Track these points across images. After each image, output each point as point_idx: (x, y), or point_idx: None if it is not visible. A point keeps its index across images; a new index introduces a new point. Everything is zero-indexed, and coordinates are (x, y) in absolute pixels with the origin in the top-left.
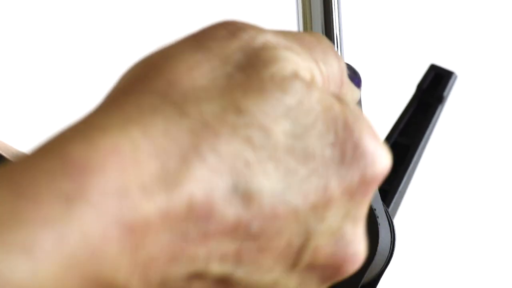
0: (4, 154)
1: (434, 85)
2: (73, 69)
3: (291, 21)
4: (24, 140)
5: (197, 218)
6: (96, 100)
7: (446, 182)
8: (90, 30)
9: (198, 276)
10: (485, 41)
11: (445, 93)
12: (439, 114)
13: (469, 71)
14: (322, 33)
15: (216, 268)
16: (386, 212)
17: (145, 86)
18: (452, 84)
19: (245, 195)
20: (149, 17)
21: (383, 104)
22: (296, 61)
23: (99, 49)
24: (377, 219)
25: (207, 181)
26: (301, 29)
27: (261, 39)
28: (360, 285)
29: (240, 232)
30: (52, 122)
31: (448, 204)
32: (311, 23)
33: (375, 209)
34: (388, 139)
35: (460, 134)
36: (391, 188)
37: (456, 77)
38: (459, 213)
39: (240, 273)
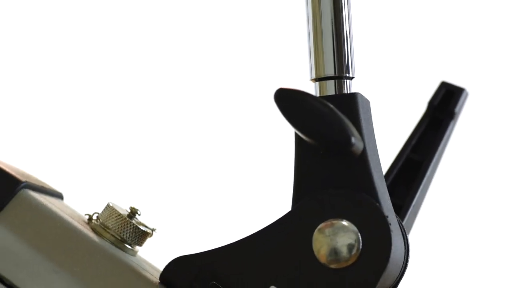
0: (14, 173)
1: (445, 101)
2: (73, 69)
3: (300, 20)
4: (24, 140)
5: None
6: (96, 100)
7: (460, 198)
8: (90, 30)
9: None
10: (496, 58)
11: (456, 109)
12: (451, 130)
13: (480, 88)
14: (333, 45)
15: None
16: (400, 223)
17: None
18: (464, 101)
19: None
20: (149, 17)
21: (395, 121)
22: None
23: (99, 49)
24: (390, 225)
25: None
26: (311, 32)
27: None
28: None
29: None
30: (52, 122)
31: (463, 219)
32: (322, 34)
33: (387, 216)
34: (400, 155)
35: (473, 151)
36: (404, 203)
37: (467, 93)
38: (474, 229)
39: None
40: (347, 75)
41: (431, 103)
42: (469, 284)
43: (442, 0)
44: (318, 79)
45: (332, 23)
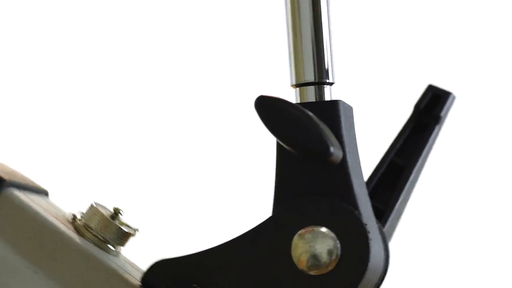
0: (1, 174)
1: (432, 105)
2: (73, 69)
3: (280, 26)
4: (24, 141)
5: None
6: (95, 100)
7: (445, 203)
8: (90, 30)
9: None
10: (484, 62)
11: (442, 114)
12: (436, 135)
13: (467, 92)
14: (312, 51)
15: None
16: (380, 230)
17: None
18: (450, 105)
19: None
20: (149, 18)
21: (380, 124)
22: None
23: (99, 49)
24: (368, 234)
25: None
26: (291, 38)
27: None
28: None
29: None
30: (52, 122)
31: (447, 225)
32: (301, 40)
33: (366, 224)
34: (384, 159)
35: (459, 155)
36: (387, 207)
37: (454, 97)
38: (457, 235)
39: None
40: (327, 80)
41: (417, 107)
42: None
43: (429, 2)
44: (299, 85)
45: (311, 28)
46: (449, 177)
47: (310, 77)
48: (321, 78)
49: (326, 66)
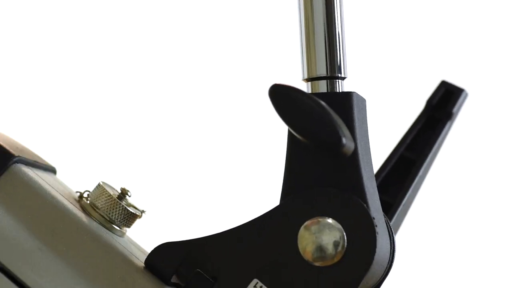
0: (7, 147)
1: (444, 101)
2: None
3: (292, 20)
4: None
5: None
6: (95, 101)
7: (453, 199)
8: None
9: None
10: (498, 60)
11: (454, 110)
12: (447, 131)
13: (480, 89)
14: (325, 45)
15: None
16: (387, 224)
17: None
18: (462, 101)
19: None
20: (149, 18)
21: (392, 118)
22: None
23: (95, 44)
24: (376, 227)
25: None
26: (303, 32)
27: None
28: None
29: None
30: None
31: (454, 220)
32: (314, 34)
33: (373, 218)
34: (394, 152)
35: (469, 152)
36: (395, 201)
37: (466, 94)
38: (465, 230)
39: None
40: (339, 75)
41: (429, 102)
42: (458, 284)
43: None
44: (310, 79)
45: (324, 23)
46: (458, 174)
47: (322, 71)
48: (333, 72)
49: (338, 61)
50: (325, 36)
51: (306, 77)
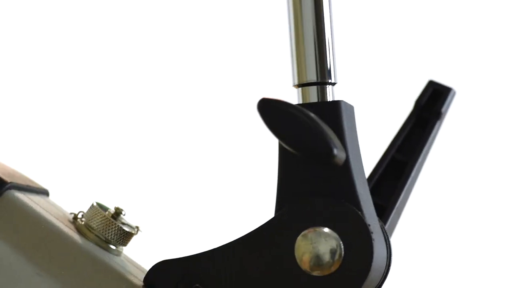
0: (3, 176)
1: (432, 101)
2: (73, 70)
3: (283, 26)
4: (24, 140)
5: None
6: (95, 101)
7: (445, 199)
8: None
9: None
10: (485, 57)
11: (443, 109)
12: (437, 130)
13: (468, 87)
14: (315, 51)
15: None
16: (382, 228)
17: None
18: (451, 100)
19: None
20: (148, 18)
21: (381, 120)
22: None
23: (91, 48)
24: (372, 234)
25: None
26: (293, 38)
27: None
28: None
29: None
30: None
31: (447, 221)
32: (303, 40)
33: (369, 225)
34: (385, 155)
35: (459, 150)
36: (388, 204)
37: (454, 93)
38: (458, 230)
39: None
40: (330, 81)
41: (418, 103)
42: (453, 284)
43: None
44: (301, 85)
45: (314, 29)
46: (450, 173)
47: (312, 77)
48: (323, 78)
49: (328, 66)
50: (314, 42)
51: (296, 83)
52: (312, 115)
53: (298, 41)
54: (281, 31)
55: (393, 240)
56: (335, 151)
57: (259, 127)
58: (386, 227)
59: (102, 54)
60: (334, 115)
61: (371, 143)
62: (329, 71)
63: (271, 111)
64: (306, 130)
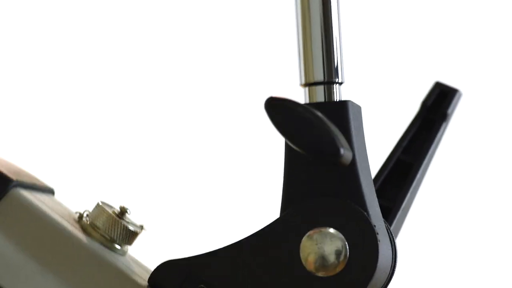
0: (5, 171)
1: (439, 102)
2: (76, 69)
3: (290, 26)
4: (29, 140)
5: None
6: (99, 99)
7: (450, 200)
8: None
9: None
10: (491, 59)
11: (449, 111)
12: (443, 132)
13: (474, 89)
14: (322, 51)
15: None
16: (388, 230)
17: None
18: (457, 102)
19: None
20: (149, 18)
21: (387, 122)
22: None
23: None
24: (377, 235)
25: None
26: (300, 37)
27: None
28: None
29: None
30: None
31: (453, 222)
32: (311, 40)
33: (375, 226)
34: (391, 156)
35: (465, 152)
36: (394, 205)
37: (460, 94)
38: (464, 232)
39: None
40: (337, 80)
41: (424, 104)
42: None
43: (436, 1)
44: (308, 84)
45: (321, 28)
46: (456, 175)
47: (319, 76)
48: (330, 77)
49: (336, 66)
50: (322, 42)
51: (303, 82)
52: (320, 114)
53: (306, 40)
54: (289, 30)
55: (398, 241)
56: (342, 151)
57: (266, 127)
58: (392, 228)
59: (107, 52)
60: (341, 115)
61: (377, 144)
62: (336, 71)
63: (278, 110)
64: (313, 129)
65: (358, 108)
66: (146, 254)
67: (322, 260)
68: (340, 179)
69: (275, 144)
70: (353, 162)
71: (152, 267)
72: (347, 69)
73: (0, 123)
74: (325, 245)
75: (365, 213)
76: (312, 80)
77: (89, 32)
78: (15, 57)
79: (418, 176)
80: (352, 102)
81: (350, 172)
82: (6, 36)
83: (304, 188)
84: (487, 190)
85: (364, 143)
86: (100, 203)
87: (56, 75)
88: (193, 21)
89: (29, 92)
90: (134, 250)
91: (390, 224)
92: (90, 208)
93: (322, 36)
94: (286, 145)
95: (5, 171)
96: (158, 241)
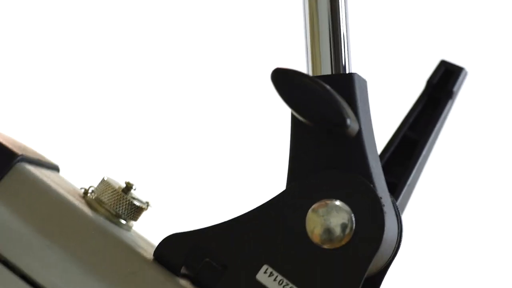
0: (10, 146)
1: (444, 80)
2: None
3: (298, 20)
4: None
5: None
6: (95, 97)
7: (456, 178)
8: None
9: None
10: (497, 38)
11: (455, 89)
12: (449, 110)
13: (480, 67)
14: (330, 44)
15: None
16: (394, 204)
17: None
18: (462, 80)
19: None
20: (149, 18)
21: (393, 99)
22: None
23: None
24: (383, 207)
25: None
26: (308, 27)
27: None
28: (366, 273)
29: None
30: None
31: (458, 200)
32: (317, 19)
33: (381, 198)
34: (397, 133)
35: (470, 130)
36: (399, 181)
37: (466, 73)
38: (468, 210)
39: None
40: (344, 74)
41: (429, 82)
42: (464, 267)
43: None
44: (315, 77)
45: (329, 21)
46: (461, 152)
47: (327, 70)
48: (338, 71)
49: (343, 59)
50: (329, 35)
51: (311, 75)
52: (327, 85)
53: (313, 34)
54: (296, 23)
55: (404, 217)
56: (349, 121)
57: (271, 112)
58: (398, 203)
59: (117, 39)
60: (348, 87)
61: (383, 121)
62: (344, 65)
63: (285, 81)
64: (320, 99)
65: (364, 82)
66: (151, 231)
67: (328, 232)
68: (346, 152)
69: (282, 125)
70: (359, 134)
71: (157, 242)
72: (356, 63)
73: (6, 102)
74: (331, 217)
75: (371, 185)
76: (319, 73)
77: (88, 30)
78: (18, 49)
79: (424, 152)
80: (358, 75)
81: (356, 144)
82: (6, 36)
83: (310, 161)
84: (492, 168)
85: (370, 117)
86: (105, 178)
87: (61, 58)
88: (197, 14)
89: (32, 73)
90: (139, 228)
91: (396, 199)
92: (95, 184)
93: (330, 29)
94: (292, 118)
95: (10, 146)
96: (164, 219)
